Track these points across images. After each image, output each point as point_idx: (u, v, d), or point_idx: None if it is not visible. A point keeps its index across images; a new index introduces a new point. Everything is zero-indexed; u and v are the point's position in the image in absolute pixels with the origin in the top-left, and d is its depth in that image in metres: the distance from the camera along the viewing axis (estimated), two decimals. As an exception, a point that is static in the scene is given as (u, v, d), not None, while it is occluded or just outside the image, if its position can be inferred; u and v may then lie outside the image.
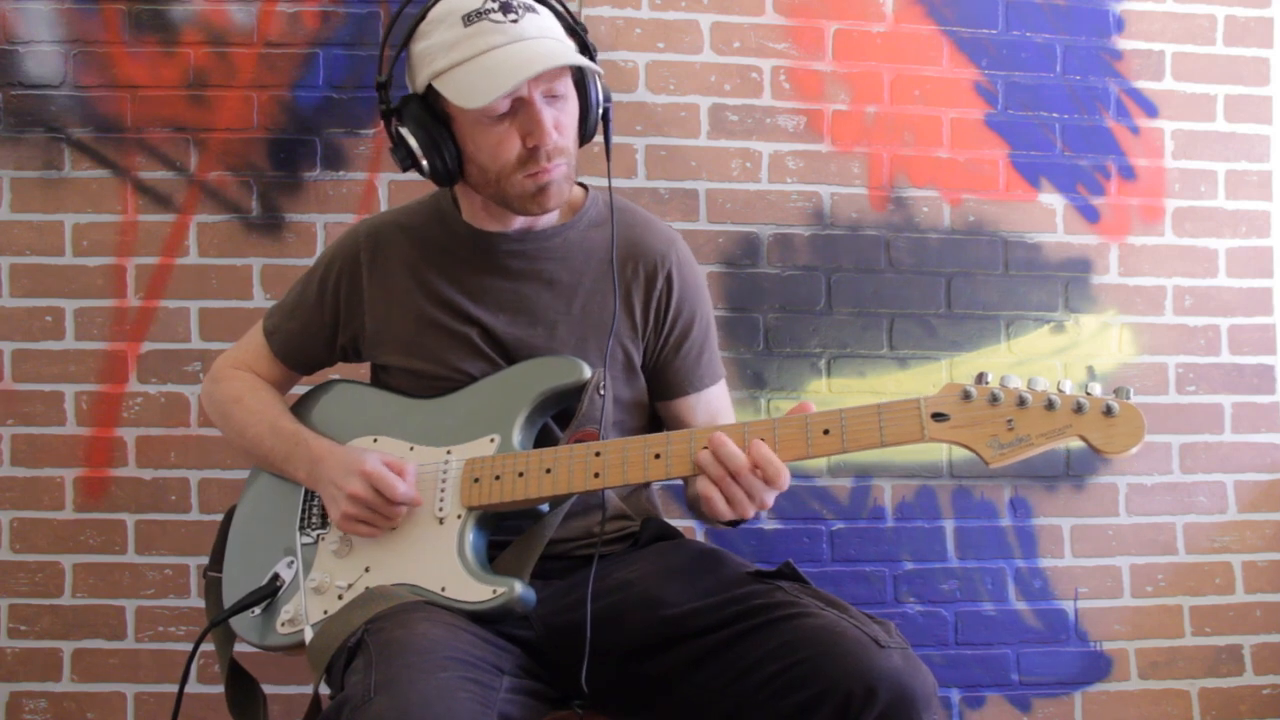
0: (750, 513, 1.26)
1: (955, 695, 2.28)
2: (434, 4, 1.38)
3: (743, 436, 1.26)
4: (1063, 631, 2.31)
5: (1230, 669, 2.34)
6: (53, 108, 2.17)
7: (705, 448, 1.26)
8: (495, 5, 1.34)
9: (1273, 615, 2.35)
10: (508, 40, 1.33)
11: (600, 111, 1.45)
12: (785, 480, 1.24)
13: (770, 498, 1.26)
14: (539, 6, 1.39)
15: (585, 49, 1.42)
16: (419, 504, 1.39)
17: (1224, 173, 2.37)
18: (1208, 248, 2.37)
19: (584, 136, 1.45)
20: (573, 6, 1.46)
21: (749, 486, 1.24)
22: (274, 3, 2.20)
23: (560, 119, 1.38)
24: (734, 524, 1.37)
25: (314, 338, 1.58)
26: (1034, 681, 2.30)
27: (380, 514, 1.37)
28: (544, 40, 1.36)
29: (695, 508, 1.53)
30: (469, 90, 1.33)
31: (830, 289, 2.28)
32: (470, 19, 1.34)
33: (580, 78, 1.42)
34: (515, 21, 1.34)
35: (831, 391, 2.27)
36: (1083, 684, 2.31)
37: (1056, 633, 2.31)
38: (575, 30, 1.42)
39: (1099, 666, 2.32)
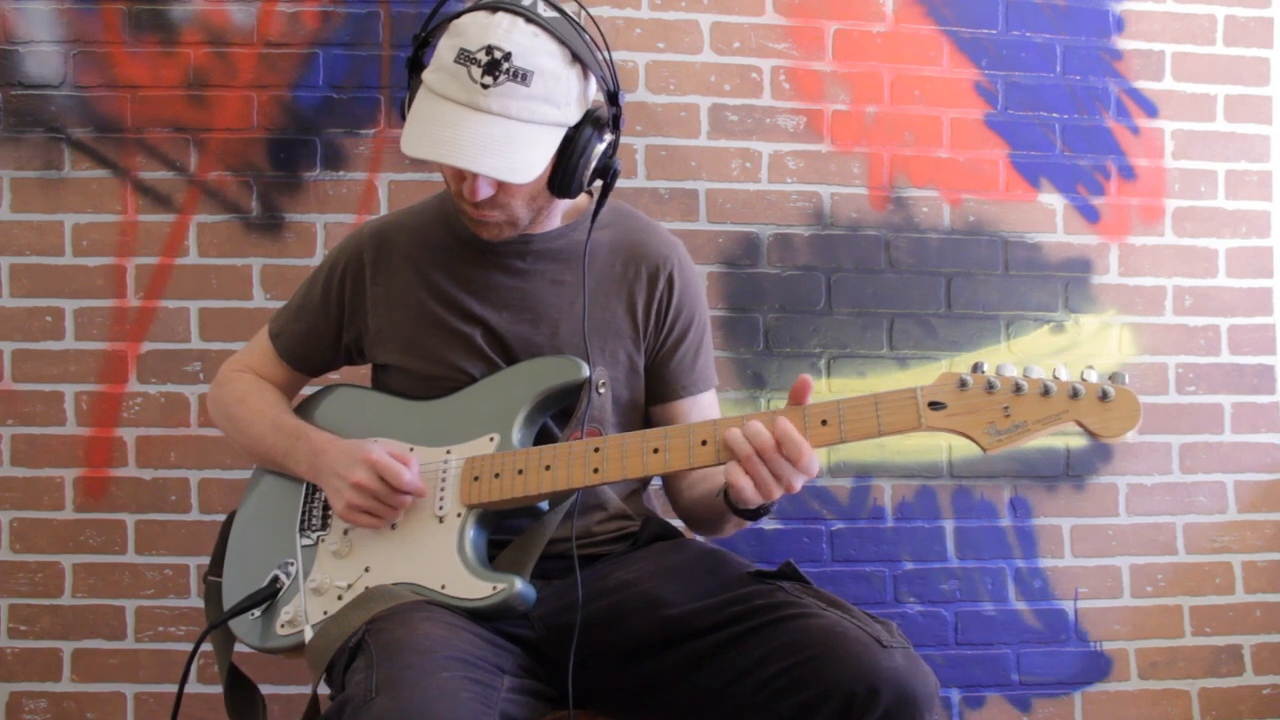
0: (776, 494, 1.25)
1: (955, 695, 2.28)
2: (471, 9, 1.31)
3: (744, 426, 1.25)
4: (1063, 631, 2.31)
5: (1230, 669, 2.34)
6: (53, 108, 2.17)
7: (734, 428, 1.25)
8: (484, 59, 1.25)
9: (1273, 615, 2.35)
10: (461, 103, 1.26)
11: (589, 172, 1.35)
12: (810, 458, 1.23)
13: (798, 481, 1.25)
14: (542, 73, 1.27)
15: (613, 99, 1.36)
16: (424, 494, 1.38)
17: (1224, 173, 2.37)
18: (1208, 248, 2.37)
19: (566, 191, 1.36)
20: (572, 8, 1.38)
21: (775, 466, 1.23)
22: (274, 3, 2.19)
23: (499, 193, 1.34)
24: (755, 515, 1.35)
25: (319, 338, 1.58)
26: (1034, 681, 2.30)
27: (385, 503, 1.36)
28: (491, 128, 1.26)
29: (693, 515, 1.54)
30: (409, 124, 1.31)
31: (830, 289, 2.28)
32: (460, 57, 1.26)
33: (571, 134, 1.33)
34: (487, 88, 1.25)
35: (831, 391, 2.27)
36: (1083, 684, 2.31)
37: (1056, 633, 2.31)
38: (606, 81, 1.35)
39: (1099, 666, 2.32)
